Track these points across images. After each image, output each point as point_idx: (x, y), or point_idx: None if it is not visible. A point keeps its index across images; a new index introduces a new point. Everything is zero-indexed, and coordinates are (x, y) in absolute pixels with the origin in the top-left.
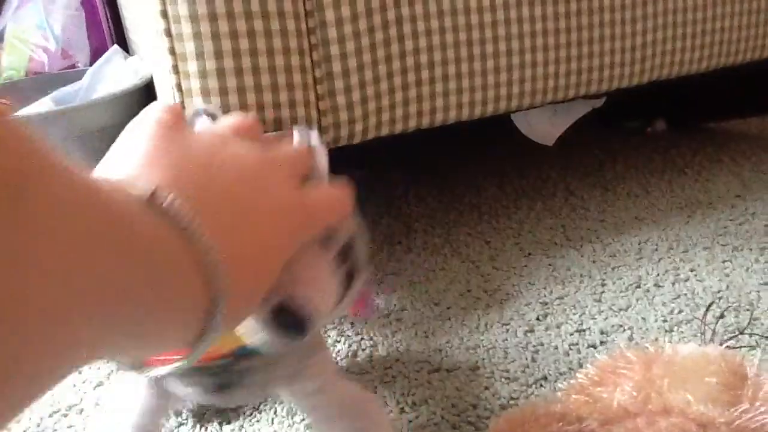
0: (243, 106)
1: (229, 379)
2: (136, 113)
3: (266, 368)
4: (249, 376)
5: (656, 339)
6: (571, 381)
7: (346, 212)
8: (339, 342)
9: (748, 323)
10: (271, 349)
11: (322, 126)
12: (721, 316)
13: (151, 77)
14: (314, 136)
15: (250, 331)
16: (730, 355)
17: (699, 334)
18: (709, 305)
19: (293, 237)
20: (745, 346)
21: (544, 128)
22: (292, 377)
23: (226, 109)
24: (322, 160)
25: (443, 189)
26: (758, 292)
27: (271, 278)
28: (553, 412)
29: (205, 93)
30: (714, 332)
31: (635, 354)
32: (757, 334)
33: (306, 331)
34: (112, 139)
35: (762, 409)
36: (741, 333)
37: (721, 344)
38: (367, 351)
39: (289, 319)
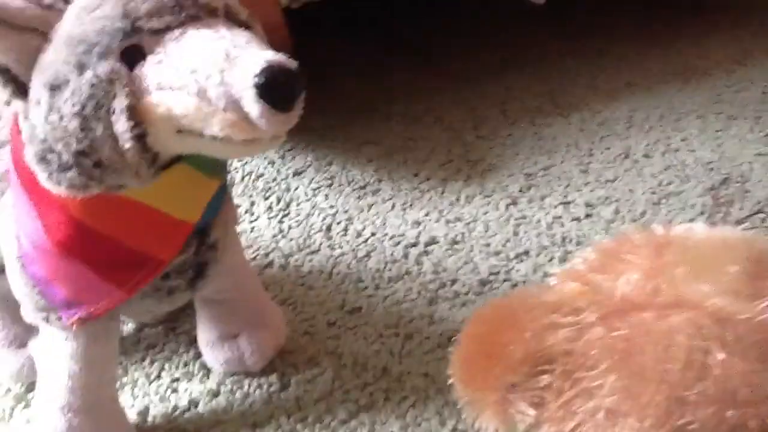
0: None
1: (198, 271)
2: None
3: (219, 252)
4: (212, 266)
5: (644, 213)
6: (566, 266)
7: None
8: (311, 215)
9: None
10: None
11: None
12: (731, 196)
13: None
14: None
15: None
16: (753, 239)
17: (707, 214)
18: (722, 181)
19: None
20: (759, 227)
21: None
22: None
23: None
24: None
25: (426, 55)
26: (751, 163)
27: None
28: (546, 302)
29: None
30: (727, 212)
31: (643, 237)
32: None
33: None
34: None
35: None
36: (758, 213)
37: (737, 224)
38: (342, 225)
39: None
